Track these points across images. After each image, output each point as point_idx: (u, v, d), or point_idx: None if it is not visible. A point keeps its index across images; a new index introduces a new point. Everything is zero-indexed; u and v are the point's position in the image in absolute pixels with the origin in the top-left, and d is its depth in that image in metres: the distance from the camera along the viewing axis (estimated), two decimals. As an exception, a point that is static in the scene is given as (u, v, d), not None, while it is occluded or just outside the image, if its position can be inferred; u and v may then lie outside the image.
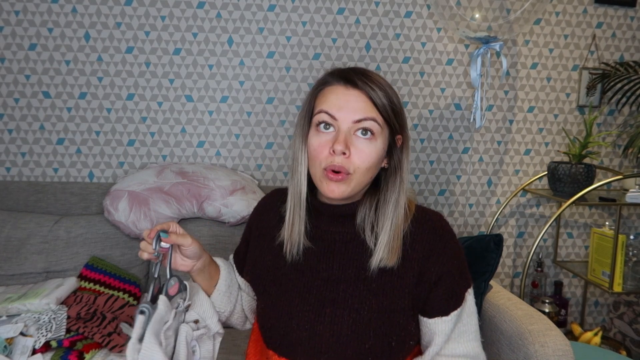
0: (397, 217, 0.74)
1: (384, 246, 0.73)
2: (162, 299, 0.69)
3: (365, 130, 0.71)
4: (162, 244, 0.74)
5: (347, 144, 0.70)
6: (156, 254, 0.74)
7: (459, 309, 0.74)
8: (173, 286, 0.73)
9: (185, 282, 0.76)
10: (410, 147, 0.79)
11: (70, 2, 1.71)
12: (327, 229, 0.78)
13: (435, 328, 0.74)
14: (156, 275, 0.73)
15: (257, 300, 0.85)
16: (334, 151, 0.70)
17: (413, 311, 0.74)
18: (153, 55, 1.76)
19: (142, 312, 0.66)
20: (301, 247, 0.78)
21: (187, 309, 0.76)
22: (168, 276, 0.74)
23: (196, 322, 0.77)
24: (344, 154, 0.70)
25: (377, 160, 0.73)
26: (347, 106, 0.71)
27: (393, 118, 0.74)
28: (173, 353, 0.72)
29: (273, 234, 0.83)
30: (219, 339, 0.81)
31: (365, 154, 0.71)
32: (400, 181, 0.76)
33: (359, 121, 0.71)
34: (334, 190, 0.71)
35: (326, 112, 0.72)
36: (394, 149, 0.77)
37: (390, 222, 0.74)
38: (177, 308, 0.73)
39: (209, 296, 0.84)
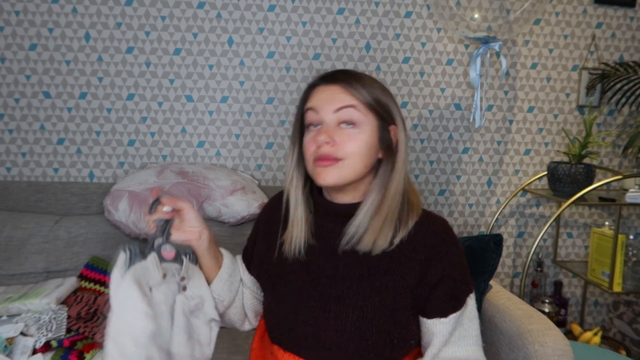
0: (387, 199, 0.75)
1: (358, 224, 0.75)
2: (152, 254, 0.69)
3: (348, 122, 0.74)
4: (166, 208, 0.73)
5: (330, 134, 0.74)
6: (158, 220, 0.74)
7: (458, 313, 0.75)
8: (169, 251, 0.73)
9: (184, 257, 0.76)
10: (405, 138, 0.79)
11: (70, 2, 1.71)
12: (332, 228, 0.80)
13: (433, 329, 0.75)
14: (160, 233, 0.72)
15: (264, 295, 0.87)
16: (318, 143, 0.74)
17: (414, 311, 0.76)
18: (153, 56, 1.76)
19: (124, 251, 0.65)
20: (302, 249, 0.80)
21: (183, 283, 0.75)
22: (166, 240, 0.73)
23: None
24: (328, 143, 0.73)
25: (367, 146, 0.75)
26: (327, 99, 0.76)
27: (376, 107, 0.76)
28: (172, 324, 0.72)
29: (280, 231, 0.85)
30: (215, 329, 0.81)
31: (352, 140, 0.74)
32: (392, 168, 0.77)
33: (338, 109, 0.74)
34: (325, 178, 0.74)
35: (311, 108, 0.77)
36: (389, 140, 0.78)
37: (372, 202, 0.75)
38: (171, 276, 0.72)
39: (209, 283, 0.84)
